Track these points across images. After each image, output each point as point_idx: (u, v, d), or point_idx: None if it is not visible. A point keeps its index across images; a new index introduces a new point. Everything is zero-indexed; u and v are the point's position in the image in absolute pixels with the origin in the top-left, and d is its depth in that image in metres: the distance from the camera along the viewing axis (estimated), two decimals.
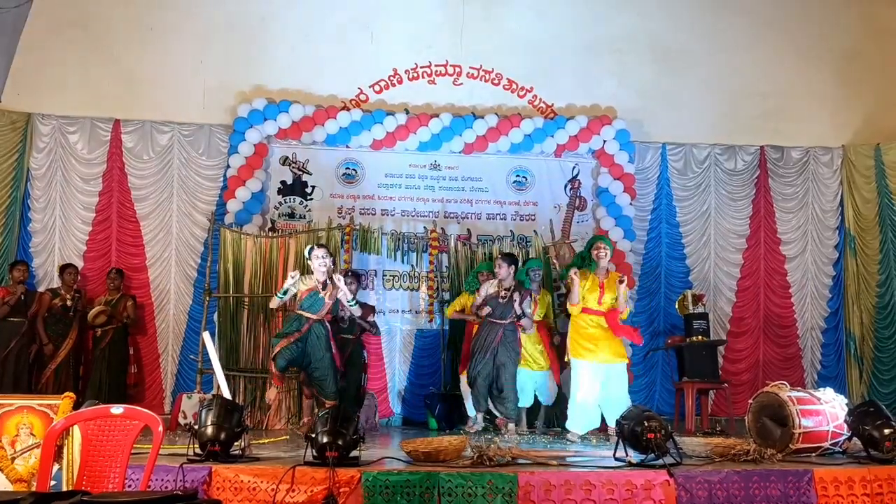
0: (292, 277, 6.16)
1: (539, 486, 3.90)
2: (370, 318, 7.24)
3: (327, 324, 6.36)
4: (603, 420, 6.30)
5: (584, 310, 6.20)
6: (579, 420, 6.15)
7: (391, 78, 8.67)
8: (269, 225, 8.27)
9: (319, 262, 6.19)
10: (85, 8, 8.30)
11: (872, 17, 8.92)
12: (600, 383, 6.11)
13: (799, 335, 8.95)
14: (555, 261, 7.85)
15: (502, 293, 6.57)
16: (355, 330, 7.04)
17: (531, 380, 7.02)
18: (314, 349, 6.17)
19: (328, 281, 6.23)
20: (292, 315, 6.36)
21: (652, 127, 8.94)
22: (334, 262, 6.71)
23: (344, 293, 6.22)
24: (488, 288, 6.66)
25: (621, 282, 6.15)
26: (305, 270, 6.56)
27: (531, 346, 7.03)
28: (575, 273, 6.15)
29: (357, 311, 6.50)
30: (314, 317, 6.18)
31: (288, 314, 6.67)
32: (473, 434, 6.38)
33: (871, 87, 8.95)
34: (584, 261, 6.44)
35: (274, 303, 6.40)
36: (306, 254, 6.38)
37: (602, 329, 6.18)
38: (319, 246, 6.37)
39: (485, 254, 8.04)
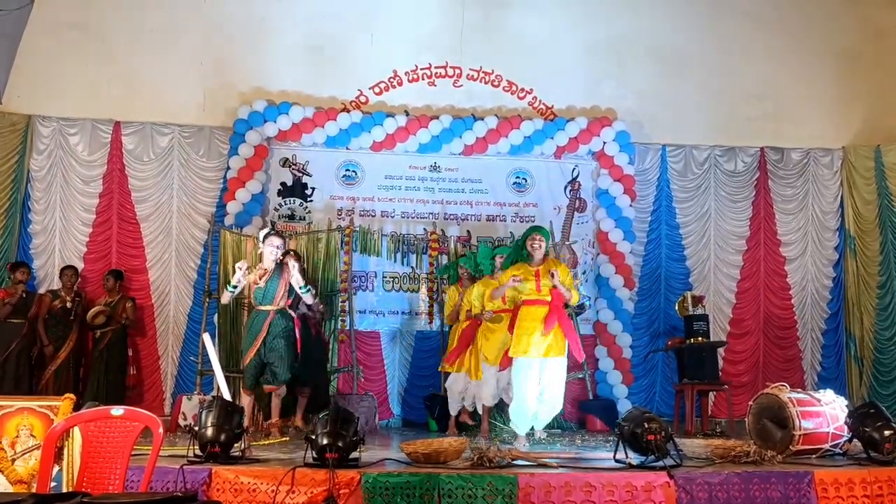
0: (239, 269, 6.01)
1: (539, 487, 3.90)
2: (321, 308, 7.14)
3: (291, 313, 6.23)
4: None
5: (526, 302, 5.74)
6: (520, 421, 5.78)
7: (391, 80, 8.68)
8: (269, 226, 8.27)
9: (271, 249, 6.13)
10: (85, 10, 8.31)
11: (872, 18, 8.93)
12: (537, 380, 5.67)
13: (799, 337, 8.95)
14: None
15: None
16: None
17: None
18: (269, 340, 6.06)
19: (277, 267, 6.14)
20: (252, 312, 6.32)
21: (652, 128, 8.95)
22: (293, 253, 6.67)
23: (296, 279, 6.05)
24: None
25: (552, 276, 5.67)
26: (257, 261, 6.44)
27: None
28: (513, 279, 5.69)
29: (310, 299, 6.30)
30: (272, 308, 6.12)
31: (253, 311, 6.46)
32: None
33: (871, 89, 8.96)
34: (520, 251, 5.92)
35: (225, 297, 6.36)
36: (259, 237, 6.31)
37: (542, 321, 5.64)
38: (277, 235, 6.31)
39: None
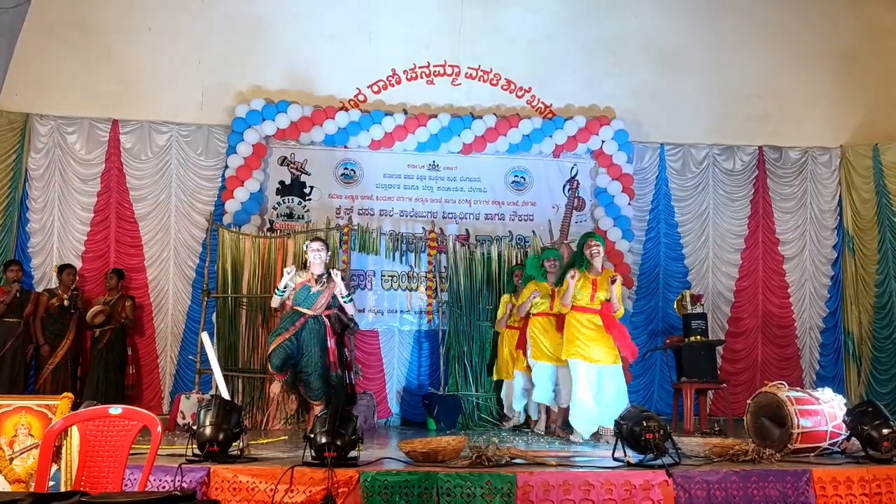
0: (288, 273, 6.16)
1: (538, 486, 3.91)
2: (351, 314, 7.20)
3: (326, 320, 6.30)
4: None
5: (577, 308, 6.02)
6: (581, 420, 6.00)
7: (389, 78, 8.67)
8: (268, 225, 8.28)
9: (315, 254, 6.19)
10: (83, 8, 8.29)
11: (870, 18, 8.93)
12: (596, 384, 5.95)
13: (797, 335, 8.96)
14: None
15: None
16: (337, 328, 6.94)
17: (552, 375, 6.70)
18: (307, 345, 6.12)
19: (324, 275, 6.21)
20: (289, 311, 6.33)
21: (650, 127, 8.95)
22: (332, 259, 6.74)
23: (340, 288, 6.16)
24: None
25: (613, 282, 5.96)
26: (302, 266, 6.53)
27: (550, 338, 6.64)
28: (572, 277, 5.96)
29: (351, 309, 6.44)
30: (309, 312, 6.15)
31: (285, 311, 6.59)
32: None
33: (869, 88, 8.97)
34: (578, 260, 6.17)
35: (275, 301, 6.36)
36: (304, 247, 6.39)
37: (596, 328, 5.98)
38: (316, 239, 6.39)
39: (483, 254, 8.01)
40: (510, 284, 7.51)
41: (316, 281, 6.19)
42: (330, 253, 6.54)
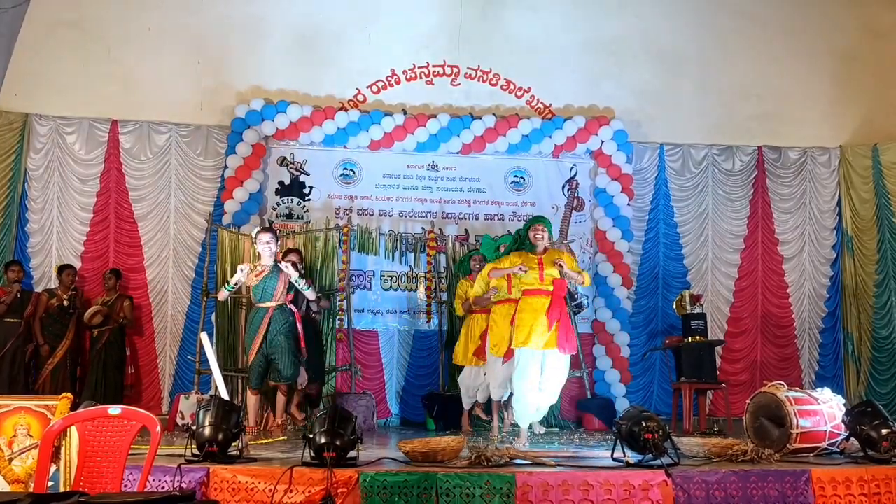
0: (241, 270, 6.14)
1: (537, 486, 3.90)
2: (322, 304, 7.23)
3: (292, 308, 6.27)
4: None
5: (527, 292, 5.68)
6: (522, 413, 5.73)
7: (389, 79, 8.67)
8: (267, 225, 8.26)
9: (264, 246, 6.18)
10: (82, 8, 8.29)
11: (870, 18, 8.94)
12: (538, 372, 5.60)
13: (796, 335, 8.96)
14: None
15: None
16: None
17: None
18: (272, 336, 6.12)
19: (275, 266, 6.20)
20: (252, 310, 6.37)
21: (649, 127, 8.95)
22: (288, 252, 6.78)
23: (291, 274, 6.13)
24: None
25: (560, 266, 5.60)
26: (256, 260, 6.47)
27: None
28: (521, 267, 5.65)
29: (311, 295, 6.40)
30: (272, 304, 6.16)
31: (252, 310, 6.51)
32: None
33: (869, 88, 8.97)
34: (521, 241, 5.91)
35: (221, 295, 6.48)
36: (253, 237, 6.36)
37: (545, 312, 5.58)
38: (266, 230, 6.38)
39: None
40: (467, 269, 7.25)
41: (270, 273, 6.18)
42: (280, 244, 6.53)
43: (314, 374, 6.92)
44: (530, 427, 5.99)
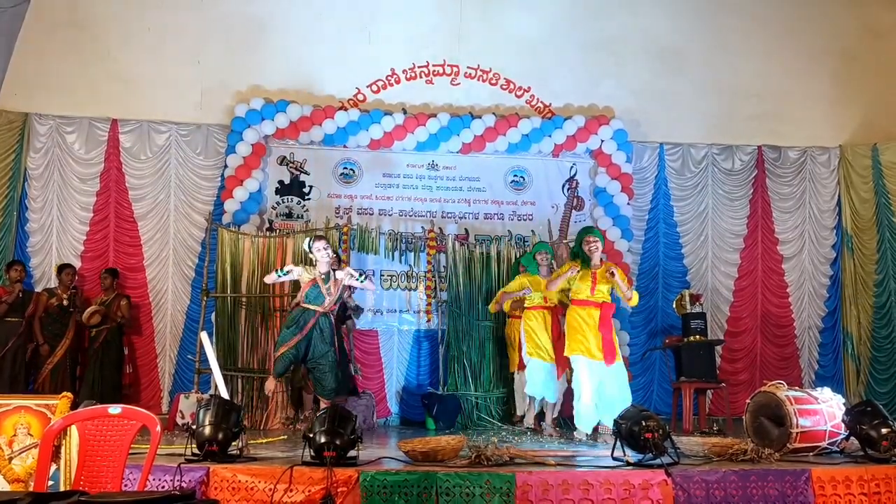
0: (301, 268, 6.26)
1: (537, 485, 3.91)
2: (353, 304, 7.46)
3: (332, 317, 6.37)
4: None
5: (577, 302, 6.05)
6: (584, 418, 6.00)
7: (389, 78, 8.67)
8: (267, 225, 8.27)
9: (321, 253, 6.21)
10: (82, 8, 8.29)
11: (870, 18, 8.93)
12: (597, 381, 5.95)
13: (796, 335, 8.96)
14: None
15: None
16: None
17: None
18: (316, 344, 6.16)
19: (331, 273, 6.24)
20: (297, 309, 6.30)
21: (649, 127, 8.95)
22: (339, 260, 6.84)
23: (350, 275, 6.24)
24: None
25: (612, 274, 5.90)
26: (308, 264, 6.53)
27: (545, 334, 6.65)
28: (573, 268, 6.01)
29: (371, 286, 6.60)
30: (320, 309, 6.18)
31: (293, 308, 6.49)
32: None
33: (868, 88, 8.97)
34: (577, 256, 6.15)
35: (270, 278, 6.44)
36: (306, 248, 6.37)
37: (595, 323, 5.95)
38: (321, 238, 6.40)
39: (482, 254, 8.02)
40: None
41: (323, 280, 6.20)
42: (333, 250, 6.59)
43: (342, 386, 6.81)
44: (597, 429, 6.09)
